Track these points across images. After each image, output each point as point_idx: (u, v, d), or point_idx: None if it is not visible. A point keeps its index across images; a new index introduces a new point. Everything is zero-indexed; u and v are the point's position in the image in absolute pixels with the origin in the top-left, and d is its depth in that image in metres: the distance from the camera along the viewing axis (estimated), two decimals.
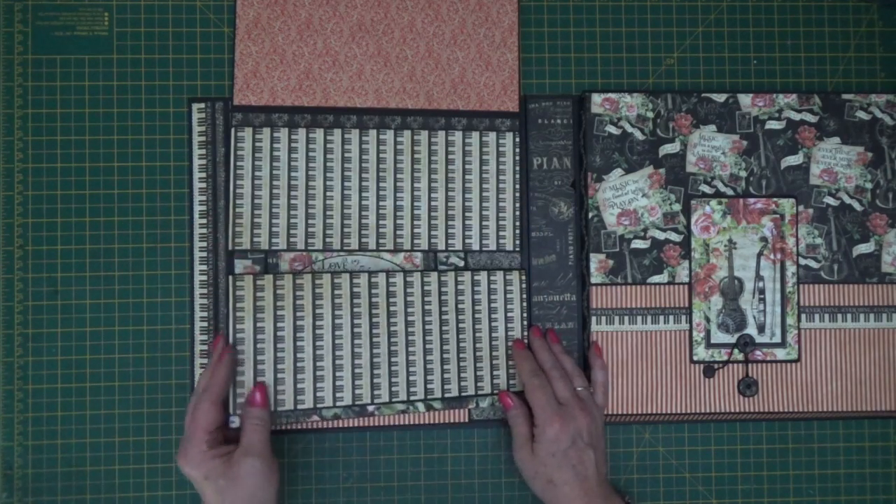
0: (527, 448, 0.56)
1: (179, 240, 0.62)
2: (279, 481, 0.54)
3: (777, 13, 0.66)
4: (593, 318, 0.61)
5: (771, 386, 0.62)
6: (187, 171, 0.62)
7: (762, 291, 0.62)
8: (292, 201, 0.60)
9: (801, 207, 0.62)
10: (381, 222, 0.61)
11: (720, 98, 0.62)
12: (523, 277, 0.62)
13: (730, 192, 0.62)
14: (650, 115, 0.62)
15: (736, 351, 0.61)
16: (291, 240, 0.60)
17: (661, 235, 0.62)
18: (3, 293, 0.61)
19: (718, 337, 0.62)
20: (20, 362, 0.61)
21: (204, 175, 0.62)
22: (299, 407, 0.58)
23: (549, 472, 0.55)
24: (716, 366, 0.61)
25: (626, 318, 0.61)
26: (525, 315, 0.62)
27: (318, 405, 0.58)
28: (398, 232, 0.61)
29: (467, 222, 0.62)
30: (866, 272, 0.62)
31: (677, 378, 0.61)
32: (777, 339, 0.62)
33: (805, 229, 0.62)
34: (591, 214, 0.61)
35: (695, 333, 0.61)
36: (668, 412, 0.61)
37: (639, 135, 0.62)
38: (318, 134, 0.61)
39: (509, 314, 0.61)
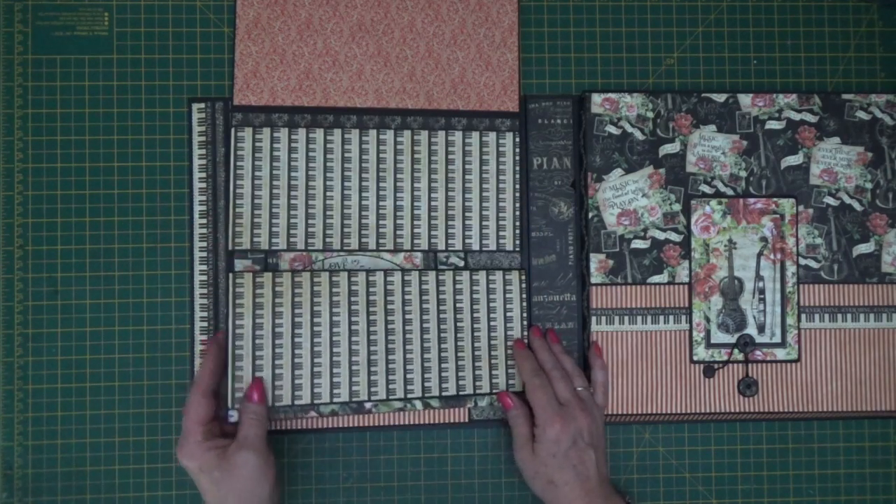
0: (527, 448, 0.56)
1: (179, 240, 0.62)
2: (276, 478, 0.54)
3: (777, 13, 0.66)
4: (593, 318, 0.61)
5: (771, 386, 0.62)
6: (187, 171, 0.62)
7: (762, 291, 0.62)
8: (292, 201, 0.60)
9: (801, 207, 0.62)
10: (381, 222, 0.61)
11: (720, 98, 0.62)
12: (523, 277, 0.62)
13: (730, 192, 0.62)
14: (650, 115, 0.62)
15: (736, 351, 0.61)
16: (291, 240, 0.60)
17: (661, 235, 0.62)
18: (3, 293, 0.61)
19: (718, 337, 0.62)
20: (20, 362, 0.61)
21: (204, 175, 0.62)
22: (297, 403, 0.58)
23: (550, 473, 0.55)
24: (716, 366, 0.61)
25: (626, 318, 0.61)
26: (525, 315, 0.62)
27: (316, 401, 0.58)
28: (398, 232, 0.61)
29: (467, 222, 0.62)
30: (866, 272, 0.62)
31: (677, 378, 0.61)
32: (777, 339, 0.62)
33: (805, 229, 0.62)
34: (591, 214, 0.61)
35: (695, 333, 0.62)
36: (668, 412, 0.61)
37: (639, 135, 0.62)
38: (318, 134, 0.61)
39: (508, 314, 0.61)
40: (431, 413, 0.61)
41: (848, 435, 0.64)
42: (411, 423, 0.61)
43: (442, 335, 0.60)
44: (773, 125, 0.62)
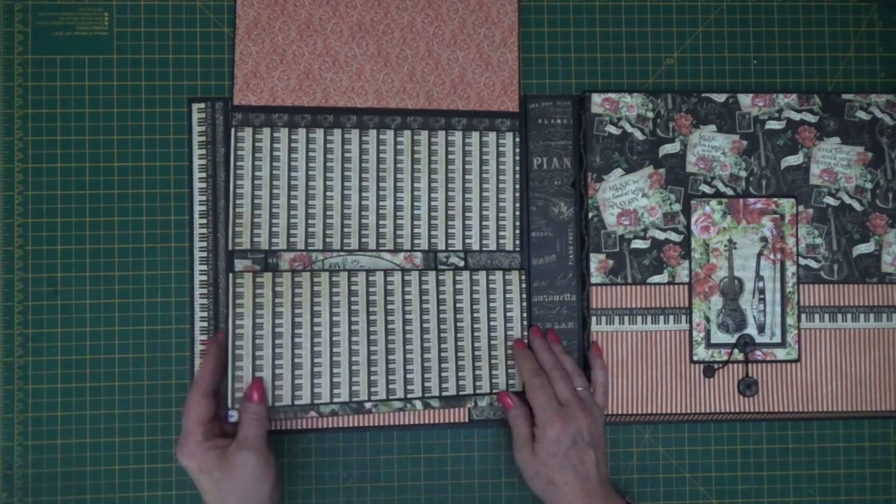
0: (527, 448, 0.56)
1: (179, 240, 0.62)
2: (276, 478, 0.54)
3: (777, 13, 0.66)
4: (593, 318, 0.61)
5: (771, 386, 0.62)
6: (187, 171, 0.62)
7: (762, 291, 0.62)
8: (292, 201, 0.60)
9: (801, 207, 0.62)
10: (381, 222, 0.61)
11: (720, 98, 0.62)
12: (523, 277, 0.62)
13: (730, 192, 0.62)
14: (650, 115, 0.62)
15: (736, 351, 0.61)
16: (291, 240, 0.60)
17: (661, 235, 0.62)
18: (3, 293, 0.61)
19: (718, 337, 0.62)
20: (20, 362, 0.61)
21: (204, 175, 0.62)
22: (297, 403, 0.58)
23: (550, 473, 0.55)
24: (716, 366, 0.61)
25: (626, 318, 0.61)
26: (525, 315, 0.62)
27: (316, 401, 0.58)
28: (398, 232, 0.61)
29: (467, 222, 0.62)
30: (866, 272, 0.62)
31: (677, 378, 0.61)
32: (777, 339, 0.62)
33: (805, 229, 0.62)
34: (591, 214, 0.61)
35: (695, 333, 0.62)
36: (668, 412, 0.61)
37: (639, 135, 0.62)
38: (318, 134, 0.61)
39: (508, 314, 0.61)
40: (431, 413, 0.61)
41: (848, 435, 0.64)
42: (411, 423, 0.61)
43: (442, 335, 0.60)
44: (773, 125, 0.62)
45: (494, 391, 0.61)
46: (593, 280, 0.61)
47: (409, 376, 0.60)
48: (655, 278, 0.61)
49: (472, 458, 0.63)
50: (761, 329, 0.62)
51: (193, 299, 0.61)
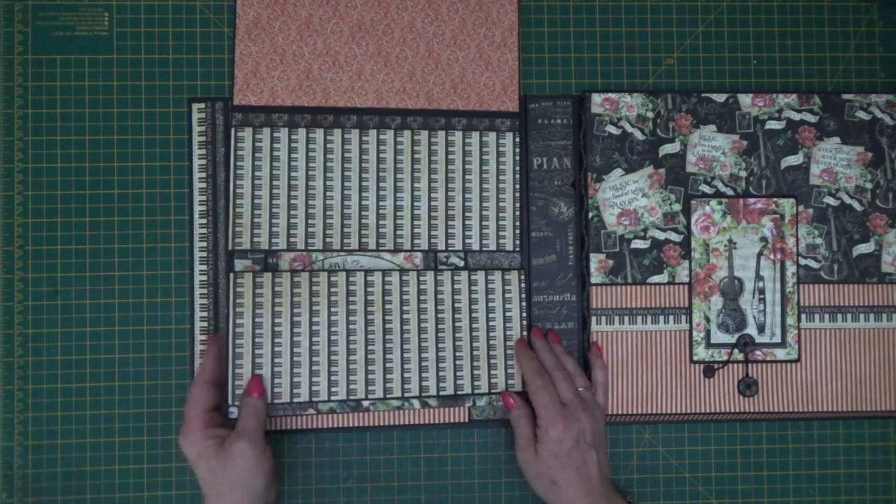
0: (530, 448, 0.56)
1: (179, 240, 0.62)
2: (272, 473, 0.55)
3: (777, 13, 0.66)
4: (593, 318, 0.61)
5: (771, 386, 0.62)
6: (187, 171, 0.62)
7: (762, 291, 0.62)
8: (292, 201, 0.60)
9: (801, 207, 0.62)
10: (381, 222, 0.61)
11: (720, 98, 0.62)
12: (522, 277, 0.62)
13: (730, 192, 0.62)
14: (650, 115, 0.62)
15: (736, 351, 0.61)
16: (291, 240, 0.60)
17: (661, 235, 0.62)
18: (3, 293, 0.61)
19: (718, 337, 0.62)
20: (20, 362, 0.61)
21: (204, 175, 0.62)
22: (295, 400, 0.58)
23: (553, 473, 0.55)
24: (716, 366, 0.61)
25: (626, 318, 0.61)
26: (524, 315, 0.62)
27: (314, 399, 0.58)
28: (398, 232, 0.61)
29: (467, 222, 0.62)
30: (866, 272, 0.62)
31: (677, 378, 0.61)
32: (777, 339, 0.62)
33: (805, 229, 0.62)
34: (591, 214, 0.61)
35: (695, 333, 0.62)
36: (668, 412, 0.61)
37: (639, 135, 0.62)
38: (318, 134, 0.61)
39: (508, 314, 0.61)
40: (431, 413, 0.61)
41: (848, 435, 0.64)
42: (411, 422, 0.61)
43: (440, 335, 0.60)
44: (773, 125, 0.62)
45: (493, 391, 0.61)
46: (593, 280, 0.61)
47: (406, 375, 0.60)
48: (655, 278, 0.61)
49: (472, 458, 0.63)
50: (761, 329, 0.62)
51: (193, 299, 0.61)
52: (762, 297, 0.62)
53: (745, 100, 0.62)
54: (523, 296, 0.62)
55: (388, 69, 0.62)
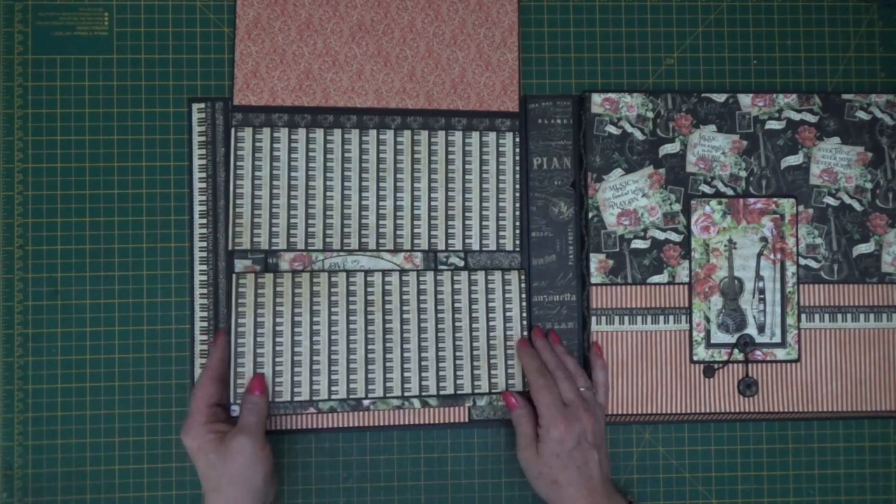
0: (531, 448, 0.56)
1: (179, 240, 0.62)
2: (271, 471, 0.55)
3: (777, 13, 0.66)
4: (593, 318, 0.61)
5: (771, 386, 0.62)
6: (187, 171, 0.62)
7: (762, 291, 0.62)
8: (292, 201, 0.61)
9: (801, 207, 0.62)
10: (381, 222, 0.61)
11: (720, 98, 0.62)
12: (522, 277, 0.62)
13: (730, 192, 0.62)
14: (650, 115, 0.62)
15: (736, 351, 0.61)
16: (291, 240, 0.60)
17: (661, 235, 0.62)
18: (3, 293, 0.61)
19: (718, 337, 0.62)
20: (20, 362, 0.61)
21: (204, 175, 0.62)
22: (296, 399, 0.59)
23: (554, 473, 0.55)
24: (716, 366, 0.61)
25: (626, 318, 0.61)
26: (524, 315, 0.62)
27: (315, 398, 0.59)
28: (398, 232, 0.61)
29: (467, 222, 0.62)
30: (866, 272, 0.62)
31: (677, 378, 0.61)
32: (777, 339, 0.62)
33: (805, 229, 0.62)
34: (591, 214, 0.61)
35: (695, 333, 0.62)
36: (668, 412, 0.61)
37: (639, 135, 0.62)
38: (318, 134, 0.61)
39: (508, 314, 0.61)
40: (431, 413, 0.61)
41: (848, 435, 0.64)
42: (411, 422, 0.61)
43: (440, 335, 0.61)
44: (773, 125, 0.62)
45: (493, 391, 0.61)
46: (593, 280, 0.61)
47: (406, 375, 0.60)
48: (655, 278, 0.61)
49: (472, 458, 0.63)
50: (761, 329, 0.62)
51: (193, 299, 0.61)
52: (762, 297, 0.62)
53: (745, 100, 0.62)
54: (523, 296, 0.62)
55: (388, 69, 0.62)
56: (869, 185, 0.62)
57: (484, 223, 0.62)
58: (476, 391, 0.61)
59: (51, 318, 0.61)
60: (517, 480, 0.62)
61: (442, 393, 0.60)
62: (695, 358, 0.61)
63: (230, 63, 0.62)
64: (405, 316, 0.60)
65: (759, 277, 0.62)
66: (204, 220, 0.61)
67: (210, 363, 0.58)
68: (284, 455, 0.62)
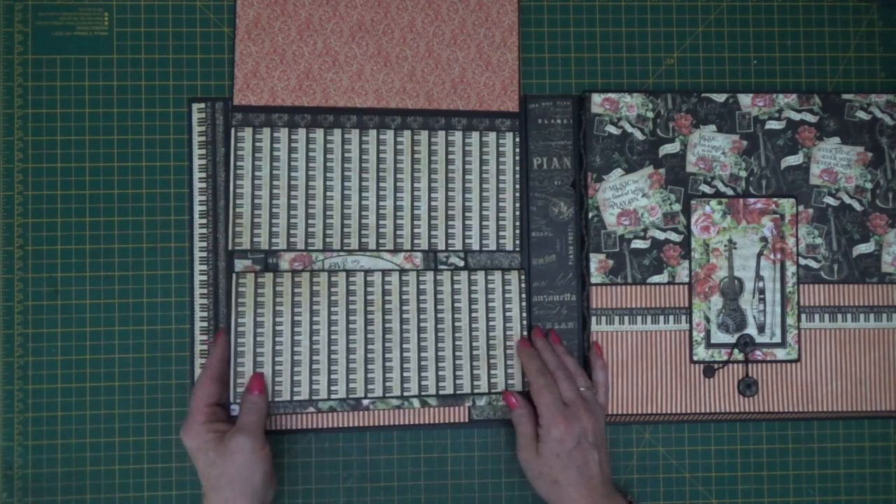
0: (531, 448, 0.56)
1: (179, 240, 0.62)
2: (270, 470, 0.55)
3: (777, 13, 0.66)
4: (593, 318, 0.61)
5: (771, 386, 0.62)
6: (187, 171, 0.62)
7: (762, 291, 0.62)
8: (292, 201, 0.61)
9: (801, 207, 0.62)
10: (381, 222, 0.61)
11: (720, 98, 0.62)
12: (522, 277, 0.62)
13: (730, 192, 0.62)
14: (650, 115, 0.62)
15: (736, 351, 0.61)
16: (291, 240, 0.60)
17: (661, 235, 0.62)
18: (3, 293, 0.61)
19: (718, 337, 0.62)
20: (20, 362, 0.61)
21: (204, 175, 0.62)
22: (296, 398, 0.59)
23: (554, 473, 0.55)
24: (716, 366, 0.61)
25: (626, 318, 0.61)
26: (524, 315, 0.62)
27: (314, 397, 0.59)
28: (398, 232, 0.61)
29: (467, 222, 0.62)
30: (866, 272, 0.62)
31: (677, 378, 0.61)
32: (777, 339, 0.62)
33: (805, 229, 0.62)
34: (591, 214, 0.61)
35: (695, 333, 0.62)
36: (668, 412, 0.61)
37: (639, 135, 0.62)
38: (318, 134, 0.61)
39: (508, 314, 0.61)
40: (431, 413, 0.61)
41: (848, 435, 0.64)
42: (411, 422, 0.61)
43: (439, 335, 0.61)
44: (773, 125, 0.62)
45: (493, 391, 0.61)
46: (593, 280, 0.61)
47: (405, 374, 0.60)
48: (655, 278, 0.61)
49: (472, 458, 0.63)
50: (761, 329, 0.62)
51: (193, 299, 0.61)
52: (762, 297, 0.62)
53: (745, 100, 0.62)
54: (523, 296, 0.62)
55: (388, 69, 0.62)
56: (869, 185, 0.62)
57: (484, 223, 0.62)
58: (476, 391, 0.61)
59: (51, 318, 0.61)
60: (517, 480, 0.62)
61: (441, 393, 0.60)
62: (695, 358, 0.61)
63: (230, 63, 0.62)
64: (405, 316, 0.60)
65: (759, 277, 0.62)
66: (204, 220, 0.61)
67: (210, 363, 0.58)
68: (284, 455, 0.62)
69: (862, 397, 0.62)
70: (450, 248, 0.62)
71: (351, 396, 0.59)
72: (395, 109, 0.62)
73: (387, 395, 0.60)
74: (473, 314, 0.61)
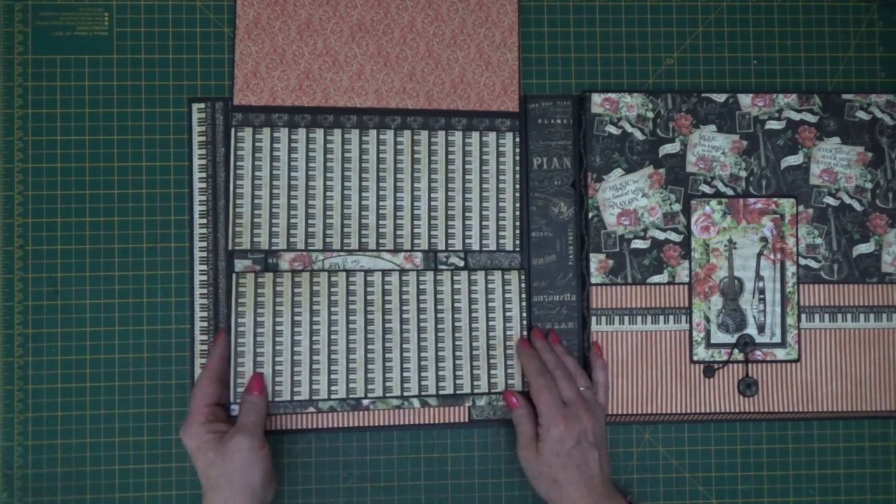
0: (531, 448, 0.56)
1: (179, 240, 0.62)
2: (270, 470, 0.55)
3: (777, 13, 0.66)
4: (593, 318, 0.61)
5: (771, 386, 0.62)
6: (187, 171, 0.62)
7: (762, 291, 0.62)
8: (292, 201, 0.61)
9: (801, 207, 0.62)
10: (381, 222, 0.61)
11: (720, 98, 0.62)
12: (522, 277, 0.62)
13: (730, 192, 0.62)
14: (650, 115, 0.62)
15: (736, 351, 0.61)
16: (291, 240, 0.60)
17: (661, 235, 0.62)
18: (3, 293, 0.61)
19: (718, 337, 0.62)
20: (20, 362, 0.61)
21: (204, 175, 0.62)
22: (296, 398, 0.59)
23: (554, 472, 0.55)
24: (716, 366, 0.61)
25: (626, 318, 0.61)
26: (524, 315, 0.62)
27: (314, 397, 0.59)
28: (398, 232, 0.61)
29: (467, 222, 0.62)
30: (866, 272, 0.62)
31: (677, 378, 0.61)
32: (777, 339, 0.62)
33: (805, 229, 0.62)
34: (591, 214, 0.61)
35: (695, 333, 0.62)
36: (668, 412, 0.61)
37: (639, 135, 0.62)
38: (318, 134, 0.61)
39: (508, 314, 0.61)
40: (431, 413, 0.61)
41: (848, 435, 0.64)
42: (411, 422, 0.61)
43: (439, 335, 0.61)
44: (773, 125, 0.62)
45: (493, 391, 0.61)
46: (593, 280, 0.61)
47: (405, 374, 0.60)
48: (655, 278, 0.61)
49: (472, 458, 0.63)
50: (761, 329, 0.62)
51: (193, 299, 0.61)
52: (762, 297, 0.62)
53: (745, 100, 0.62)
54: (523, 296, 0.62)
55: (388, 69, 0.62)
56: (869, 185, 0.62)
57: (484, 223, 0.62)
58: (476, 391, 0.61)
59: (51, 318, 0.61)
60: (517, 480, 0.62)
61: (441, 393, 0.60)
62: (695, 358, 0.61)
63: (230, 63, 0.62)
64: (405, 316, 0.60)
65: (759, 277, 0.62)
66: (204, 220, 0.61)
67: (210, 363, 0.58)
68: (284, 455, 0.62)
69: (862, 397, 0.62)
70: (450, 248, 0.62)
71: (351, 396, 0.59)
72: (395, 109, 0.62)
73: (387, 395, 0.60)
74: (473, 314, 0.61)
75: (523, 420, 0.58)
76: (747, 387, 0.61)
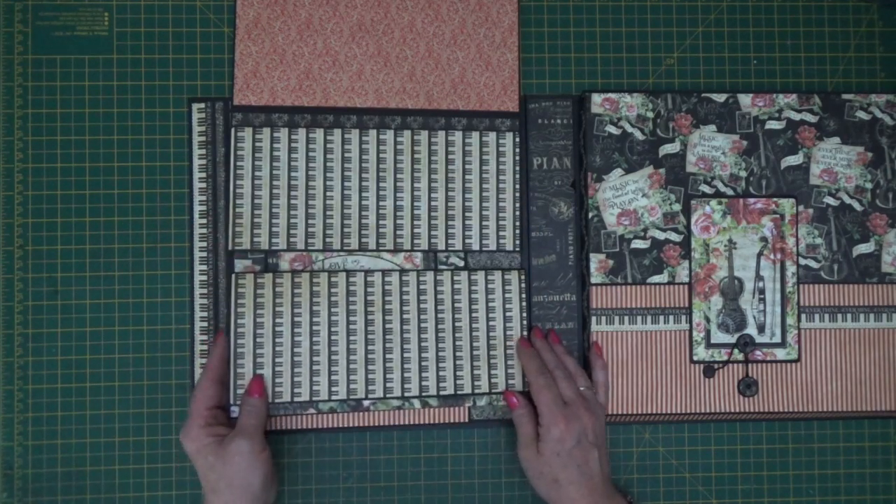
0: (532, 447, 0.56)
1: (179, 240, 0.62)
2: (271, 473, 0.55)
3: (777, 13, 0.66)
4: (593, 318, 0.61)
5: (771, 386, 0.62)
6: (187, 171, 0.62)
7: (762, 291, 0.62)
8: (292, 201, 0.60)
9: (801, 207, 0.62)
10: (381, 222, 0.61)
11: (720, 98, 0.62)
12: (522, 277, 0.62)
13: (730, 192, 0.62)
14: (650, 115, 0.62)
15: (736, 351, 0.61)
16: (291, 240, 0.60)
17: (661, 235, 0.62)
18: (3, 293, 0.61)
19: (718, 337, 0.62)
20: (20, 362, 0.61)
21: (204, 175, 0.62)
22: (296, 399, 0.59)
23: (554, 472, 0.55)
24: (716, 366, 0.61)
25: (626, 318, 0.61)
26: (524, 315, 0.62)
27: (315, 398, 0.59)
28: (398, 232, 0.61)
29: (467, 222, 0.62)
30: (866, 272, 0.62)
31: (677, 378, 0.61)
32: (777, 339, 0.62)
33: (805, 229, 0.62)
34: (591, 214, 0.61)
35: (695, 333, 0.62)
36: (668, 412, 0.61)
37: (639, 135, 0.62)
38: (318, 134, 0.61)
39: (508, 314, 0.61)
40: (431, 413, 0.61)
41: (848, 435, 0.64)
42: (411, 422, 0.61)
43: (440, 335, 0.61)
44: (773, 125, 0.62)
45: (493, 391, 0.61)
46: (593, 280, 0.61)
47: (406, 375, 0.60)
48: (655, 278, 0.61)
49: (472, 458, 0.63)
50: (761, 329, 0.62)
51: (193, 299, 0.61)
52: (762, 297, 0.62)
53: (745, 100, 0.62)
54: (523, 296, 0.62)
55: (388, 69, 0.62)
56: (869, 185, 0.62)
57: (484, 223, 0.62)
58: (476, 391, 0.61)
59: (51, 318, 0.61)
60: (517, 480, 0.62)
61: (442, 393, 0.60)
62: (695, 358, 0.61)
63: (230, 63, 0.62)
64: (405, 316, 0.60)
65: (759, 277, 0.62)
66: (204, 220, 0.61)
67: (210, 364, 0.58)
68: (284, 455, 0.62)
69: (862, 397, 0.62)
70: (450, 248, 0.62)
71: (351, 397, 0.59)
72: (395, 109, 0.62)
73: (387, 395, 0.60)
74: (473, 314, 0.61)
75: (524, 420, 0.58)
76: (747, 387, 0.61)
